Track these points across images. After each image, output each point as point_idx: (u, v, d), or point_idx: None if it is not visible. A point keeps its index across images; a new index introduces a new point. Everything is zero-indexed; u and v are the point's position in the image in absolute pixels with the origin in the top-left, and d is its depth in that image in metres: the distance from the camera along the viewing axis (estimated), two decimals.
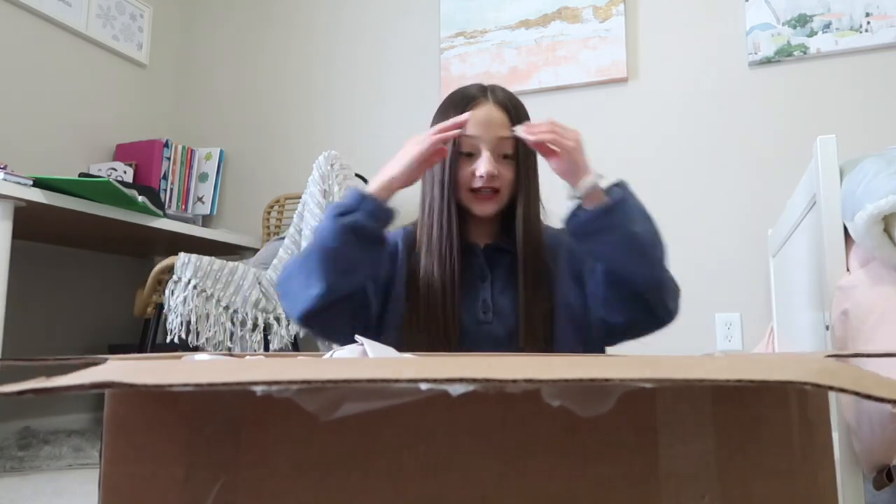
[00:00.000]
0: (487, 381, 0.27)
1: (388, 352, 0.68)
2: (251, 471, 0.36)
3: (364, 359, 0.63)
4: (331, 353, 0.70)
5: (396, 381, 0.27)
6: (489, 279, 1.01)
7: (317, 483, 0.36)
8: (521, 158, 1.00)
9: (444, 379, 0.27)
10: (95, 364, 0.40)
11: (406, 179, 0.93)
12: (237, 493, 0.36)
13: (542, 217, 1.04)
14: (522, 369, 0.28)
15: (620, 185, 0.94)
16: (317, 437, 0.36)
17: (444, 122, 0.97)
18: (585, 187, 0.92)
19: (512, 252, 1.01)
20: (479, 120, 0.98)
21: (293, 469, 0.36)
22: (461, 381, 0.27)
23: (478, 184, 0.97)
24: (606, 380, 0.27)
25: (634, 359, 0.36)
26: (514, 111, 1.01)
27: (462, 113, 0.99)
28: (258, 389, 0.35)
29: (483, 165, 0.96)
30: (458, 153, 0.99)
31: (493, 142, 0.98)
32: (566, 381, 0.27)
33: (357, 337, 0.77)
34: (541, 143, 0.93)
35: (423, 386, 0.34)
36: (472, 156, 0.99)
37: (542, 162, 1.04)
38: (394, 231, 1.06)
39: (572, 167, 0.92)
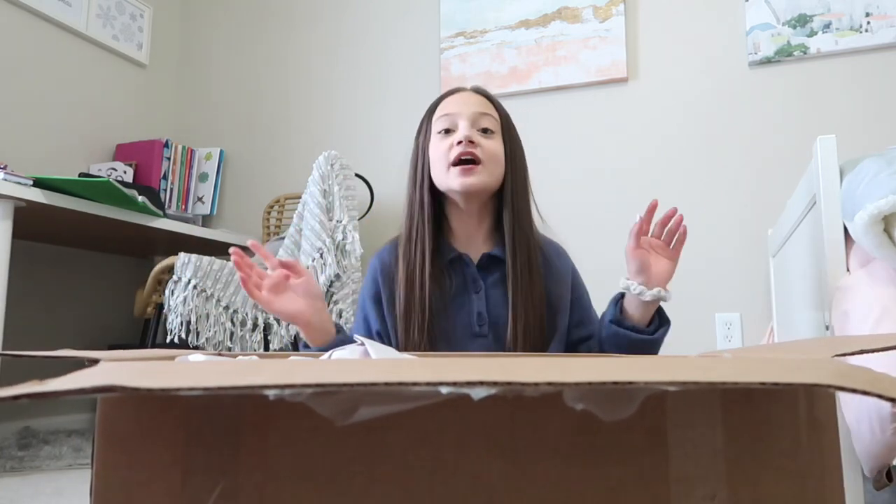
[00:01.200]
0: (509, 384, 0.26)
1: (389, 352, 0.68)
2: (251, 476, 0.35)
3: (378, 361, 0.62)
4: (329, 353, 0.69)
5: (415, 384, 0.26)
6: (483, 290, 0.96)
7: (320, 488, 0.35)
8: (506, 135, 0.97)
9: (465, 382, 0.26)
10: (91, 363, 0.39)
11: (282, 312, 0.90)
12: (237, 500, 0.35)
13: (534, 213, 1.01)
14: (542, 372, 0.28)
15: (664, 321, 0.94)
16: (320, 441, 0.35)
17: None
18: (651, 295, 0.88)
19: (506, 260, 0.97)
20: (455, 100, 0.97)
21: (295, 474, 0.35)
22: (482, 384, 0.26)
23: (456, 152, 0.92)
24: (630, 383, 0.27)
25: (651, 360, 0.36)
26: (494, 99, 1.00)
27: (434, 109, 0.98)
28: (271, 393, 0.34)
29: (461, 131, 0.92)
30: (432, 133, 0.96)
31: (472, 115, 0.95)
32: (589, 384, 0.27)
33: (357, 337, 0.76)
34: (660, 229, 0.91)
35: (444, 389, 0.33)
36: (449, 132, 0.95)
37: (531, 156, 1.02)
38: (381, 249, 1.04)
39: (656, 271, 0.89)
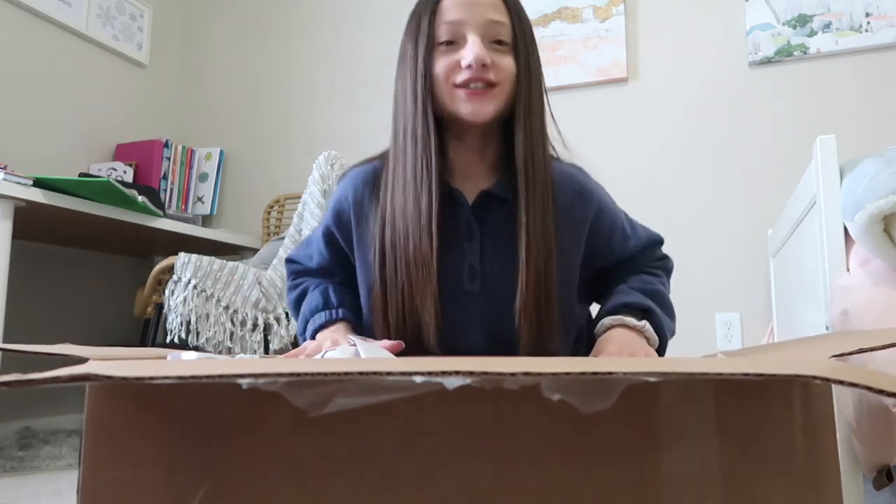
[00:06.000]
0: (485, 374, 0.26)
1: (381, 353, 0.68)
2: (237, 474, 0.34)
3: (343, 358, 0.62)
4: (322, 353, 0.69)
5: (389, 374, 0.26)
6: (478, 237, 0.79)
7: (306, 487, 0.34)
8: (520, 45, 0.79)
9: (438, 372, 0.26)
10: (81, 362, 0.39)
11: None
12: (223, 498, 0.34)
13: (550, 138, 0.84)
14: (520, 364, 0.27)
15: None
16: (306, 439, 0.34)
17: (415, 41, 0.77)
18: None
19: (510, 201, 0.78)
20: (462, 0, 0.77)
21: (281, 472, 0.34)
22: (456, 374, 0.26)
23: (464, 76, 0.75)
24: (609, 373, 0.26)
25: (634, 358, 0.35)
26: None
27: (435, 6, 0.78)
28: (244, 382, 0.34)
29: (470, 50, 0.74)
30: (434, 43, 0.77)
31: (482, 24, 0.76)
32: (567, 374, 0.26)
33: (350, 337, 0.75)
34: None
35: (418, 379, 0.33)
36: (452, 44, 0.77)
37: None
38: (352, 172, 0.87)
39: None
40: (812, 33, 1.96)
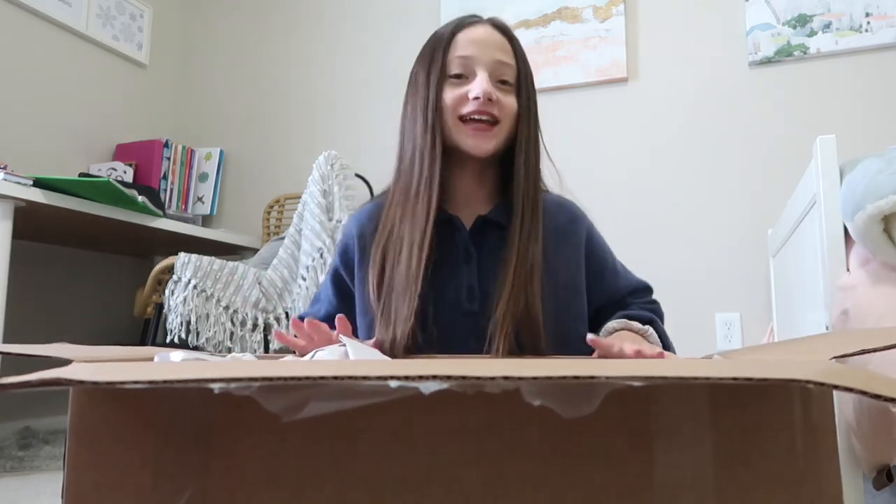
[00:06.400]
0: (463, 378, 0.25)
1: (370, 353, 0.67)
2: (221, 480, 0.34)
3: (331, 359, 0.62)
4: (312, 354, 0.69)
5: (365, 378, 0.26)
6: (475, 260, 0.84)
7: (291, 494, 0.34)
8: (522, 87, 0.86)
9: (415, 376, 0.25)
10: (62, 364, 0.39)
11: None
12: (207, 503, 0.34)
13: (553, 174, 0.92)
14: (500, 367, 0.27)
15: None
16: (290, 446, 0.34)
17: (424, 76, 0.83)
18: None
19: (505, 226, 0.83)
20: (474, 39, 0.84)
21: (265, 478, 0.34)
22: (433, 378, 0.25)
23: (470, 108, 0.81)
24: (591, 377, 0.25)
25: (619, 360, 0.35)
26: (516, 40, 0.88)
27: (449, 42, 0.84)
28: (216, 387, 0.34)
29: (479, 85, 0.80)
30: (445, 74, 0.83)
31: (491, 63, 0.83)
32: (548, 378, 0.25)
33: (341, 337, 0.74)
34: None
35: (393, 384, 0.32)
36: (462, 78, 0.83)
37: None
38: (356, 213, 0.94)
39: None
40: (812, 33, 1.96)
